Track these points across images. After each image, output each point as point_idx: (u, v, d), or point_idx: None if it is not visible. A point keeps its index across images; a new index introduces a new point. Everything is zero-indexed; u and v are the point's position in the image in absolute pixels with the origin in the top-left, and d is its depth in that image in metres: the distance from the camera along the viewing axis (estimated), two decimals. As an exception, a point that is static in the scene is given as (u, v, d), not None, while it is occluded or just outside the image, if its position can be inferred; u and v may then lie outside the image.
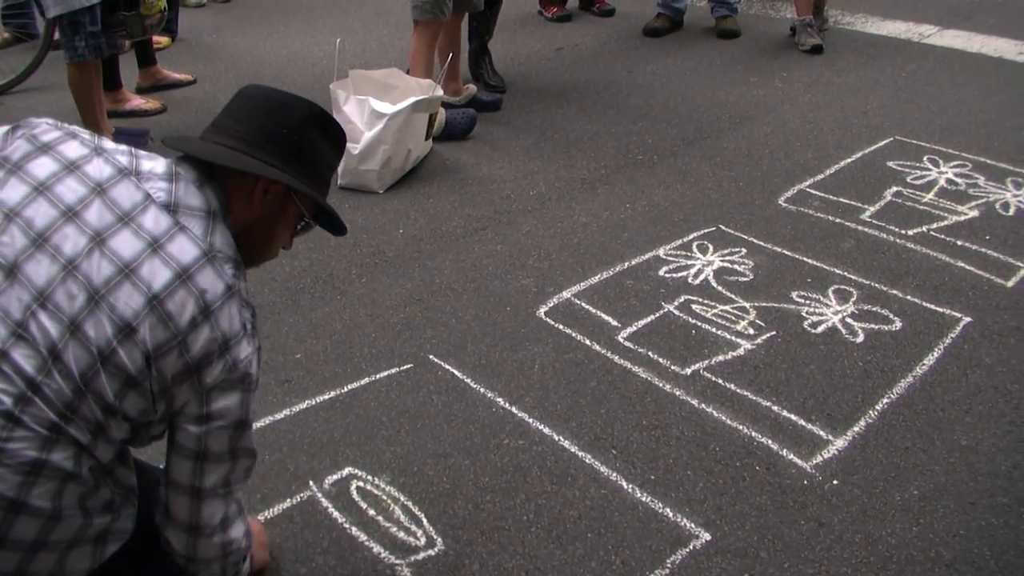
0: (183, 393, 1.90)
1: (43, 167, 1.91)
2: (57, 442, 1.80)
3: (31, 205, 1.86)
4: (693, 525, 2.81)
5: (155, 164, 2.00)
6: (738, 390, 3.37)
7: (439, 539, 2.75)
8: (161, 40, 6.81)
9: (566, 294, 3.95)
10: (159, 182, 1.96)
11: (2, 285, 1.81)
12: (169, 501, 2.03)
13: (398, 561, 2.67)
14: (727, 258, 4.22)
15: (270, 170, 2.04)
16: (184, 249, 1.88)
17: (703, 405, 3.30)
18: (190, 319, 1.85)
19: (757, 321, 3.76)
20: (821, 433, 3.18)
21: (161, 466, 2.09)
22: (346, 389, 3.35)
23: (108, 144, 2.02)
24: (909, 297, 3.93)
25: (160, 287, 1.83)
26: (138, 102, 5.84)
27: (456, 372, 3.45)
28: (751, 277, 4.07)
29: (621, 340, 3.64)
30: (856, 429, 3.20)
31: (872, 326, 3.73)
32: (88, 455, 1.86)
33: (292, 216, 2.19)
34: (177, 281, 1.85)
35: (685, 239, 4.40)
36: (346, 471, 2.98)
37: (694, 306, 3.85)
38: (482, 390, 3.36)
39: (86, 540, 1.93)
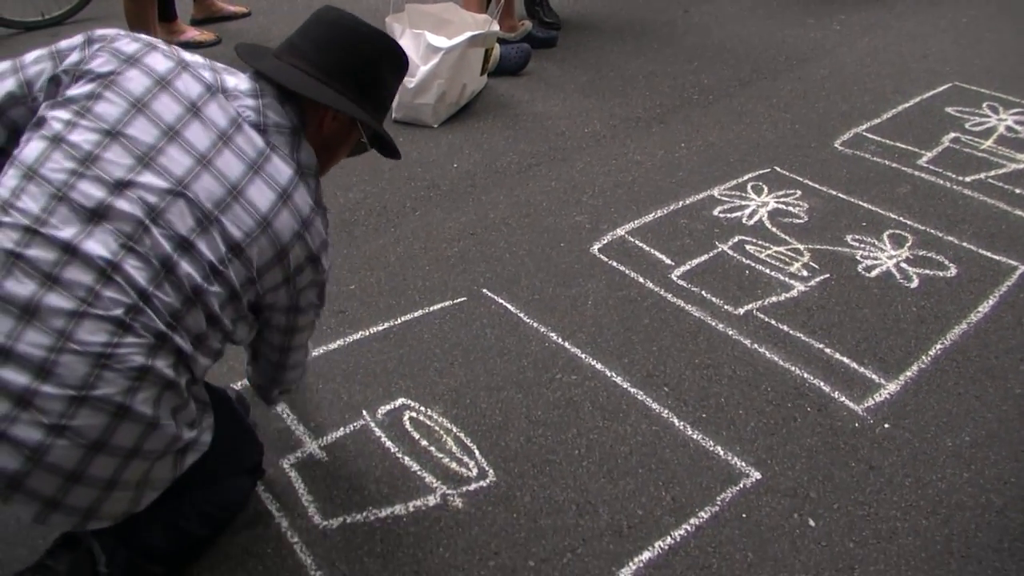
0: (278, 296, 2.13)
1: (135, 82, 1.95)
2: (162, 349, 1.86)
3: (131, 123, 1.91)
4: (744, 464, 2.82)
5: (238, 80, 2.08)
6: (791, 331, 3.36)
7: (491, 470, 2.77)
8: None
9: (620, 231, 3.94)
10: (246, 99, 2.04)
11: (108, 201, 1.85)
12: (261, 353, 2.39)
13: (450, 491, 2.69)
14: (782, 199, 4.20)
15: (351, 107, 2.16)
16: (280, 169, 2.01)
17: (755, 345, 3.29)
18: (291, 236, 2.03)
19: (811, 263, 3.74)
20: (873, 377, 3.17)
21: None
22: (400, 321, 3.37)
23: (188, 56, 2.08)
24: (965, 244, 3.90)
25: (267, 208, 1.98)
26: (192, 34, 5.85)
27: (509, 306, 3.46)
28: (806, 219, 4.05)
29: (674, 278, 3.64)
30: (908, 374, 3.19)
31: (927, 271, 3.71)
32: (185, 367, 1.93)
33: (352, 140, 2.34)
34: (280, 202, 2.00)
35: (740, 180, 4.38)
36: (399, 401, 3.01)
37: (748, 246, 3.84)
38: (535, 324, 3.37)
39: (171, 452, 1.98)
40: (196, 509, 2.34)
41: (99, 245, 1.81)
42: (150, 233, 1.85)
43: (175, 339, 1.88)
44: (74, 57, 2.00)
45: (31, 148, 1.89)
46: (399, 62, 2.30)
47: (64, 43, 2.04)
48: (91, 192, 1.84)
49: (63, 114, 1.91)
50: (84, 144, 1.87)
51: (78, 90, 1.93)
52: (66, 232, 1.81)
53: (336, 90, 2.16)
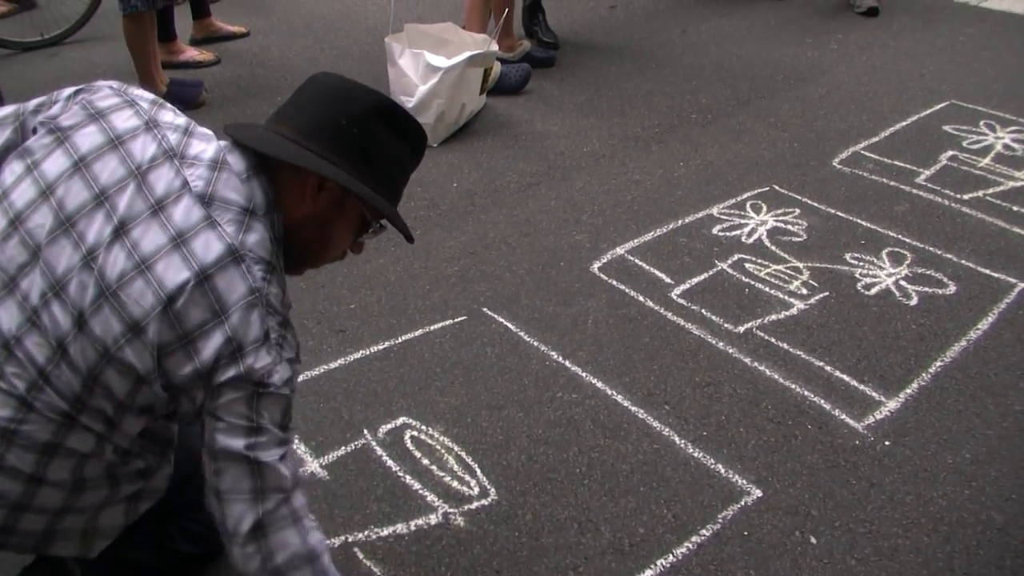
0: (196, 393, 1.79)
1: (88, 138, 1.84)
2: (71, 428, 1.79)
3: (66, 183, 1.80)
4: (745, 482, 2.82)
5: (205, 148, 1.88)
6: (791, 349, 3.37)
7: (492, 489, 2.77)
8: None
9: (619, 250, 3.95)
10: (201, 169, 1.84)
11: (27, 268, 1.78)
12: (206, 497, 1.90)
13: (452, 510, 2.69)
14: (781, 218, 4.21)
15: (319, 163, 1.90)
16: (209, 246, 1.76)
17: (756, 363, 3.30)
18: (200, 322, 1.74)
19: (810, 281, 3.75)
20: (873, 394, 3.17)
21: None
22: (400, 340, 3.37)
23: (164, 116, 1.92)
24: (964, 261, 3.91)
25: (173, 287, 1.73)
26: (192, 54, 5.86)
27: (510, 325, 3.46)
28: (805, 237, 4.06)
29: (674, 297, 3.65)
30: (909, 391, 3.20)
31: (926, 289, 3.72)
32: (107, 440, 1.85)
33: (352, 217, 2.03)
34: (193, 281, 1.73)
35: (739, 198, 4.39)
36: (400, 420, 3.01)
37: (747, 265, 3.85)
38: (536, 343, 3.37)
39: (117, 502, 1.95)
40: (183, 528, 2.33)
41: (8, 316, 1.77)
42: (49, 308, 1.75)
43: (82, 419, 1.79)
44: (55, 109, 1.93)
45: None
46: (402, 123, 2.01)
47: (65, 90, 1.96)
48: (14, 256, 1.79)
49: (17, 167, 1.86)
50: (18, 202, 1.82)
51: (37, 142, 1.87)
52: None
53: (313, 151, 1.90)
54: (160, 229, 1.75)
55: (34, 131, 1.91)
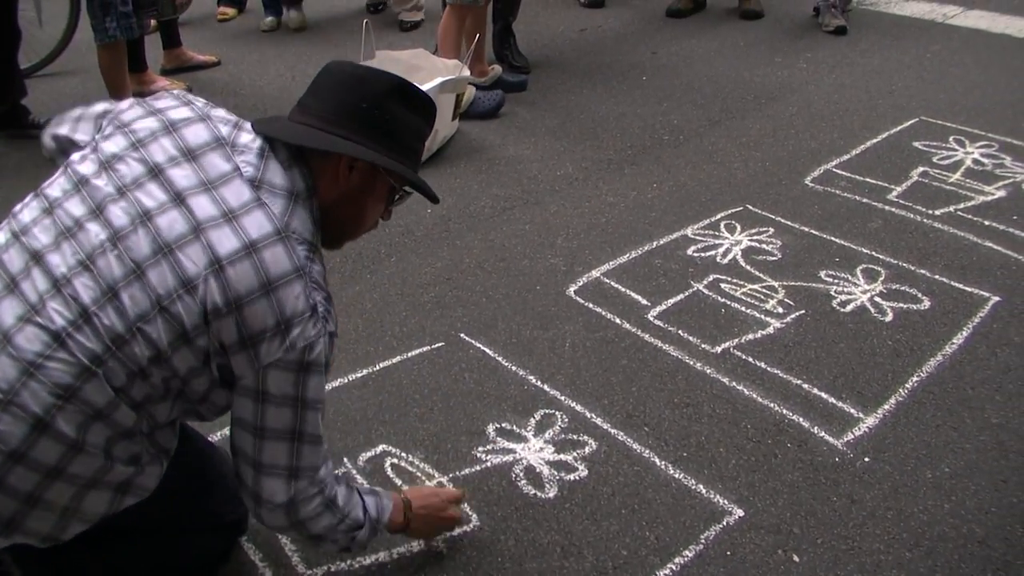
0: (240, 364, 1.93)
1: (145, 125, 2.02)
2: (93, 377, 1.83)
3: (125, 157, 1.97)
4: (726, 501, 2.82)
5: (253, 139, 2.05)
6: (768, 368, 3.37)
7: (474, 515, 2.76)
8: (228, 11, 7.47)
9: (595, 273, 3.96)
10: (251, 156, 2.01)
11: (83, 219, 1.91)
12: (237, 465, 2.09)
13: (434, 537, 2.68)
14: (755, 237, 4.22)
15: (350, 146, 2.06)
16: (259, 224, 1.92)
17: (734, 383, 3.30)
18: (248, 290, 1.87)
19: (786, 300, 3.76)
20: (852, 411, 3.18)
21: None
22: (378, 367, 3.36)
23: (217, 112, 2.11)
24: (937, 277, 3.93)
25: (225, 253, 1.87)
26: (163, 84, 5.85)
27: (487, 350, 3.46)
28: (779, 256, 4.07)
29: (651, 319, 3.65)
30: (886, 407, 3.21)
31: (901, 305, 3.73)
32: (120, 402, 1.89)
33: (382, 189, 2.21)
34: (243, 251, 1.88)
35: (713, 219, 4.40)
36: (380, 448, 3.00)
37: (723, 285, 3.86)
38: (514, 368, 3.37)
39: (105, 485, 1.94)
40: (148, 558, 2.31)
41: (60, 258, 1.88)
42: (106, 255, 1.86)
43: (109, 366, 1.85)
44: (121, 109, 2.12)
45: (56, 174, 2.03)
46: (414, 97, 2.17)
47: (124, 108, 2.12)
48: (72, 210, 1.93)
49: (87, 152, 2.03)
50: (82, 171, 1.97)
51: (102, 133, 2.06)
52: (39, 242, 1.90)
53: (340, 136, 2.07)
54: (213, 203, 1.92)
55: (99, 129, 2.09)
